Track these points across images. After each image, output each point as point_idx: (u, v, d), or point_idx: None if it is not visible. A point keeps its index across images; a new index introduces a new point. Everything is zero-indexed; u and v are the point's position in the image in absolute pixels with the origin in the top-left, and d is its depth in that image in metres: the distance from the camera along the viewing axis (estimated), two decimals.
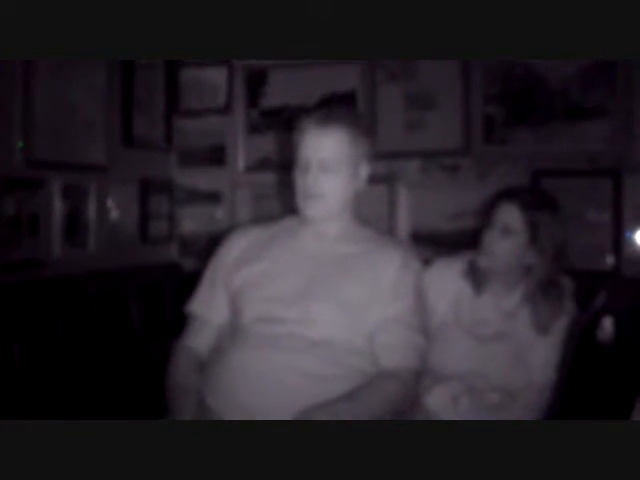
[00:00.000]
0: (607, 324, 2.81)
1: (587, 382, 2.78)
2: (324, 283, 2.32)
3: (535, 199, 2.67)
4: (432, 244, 3.88)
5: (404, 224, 4.06)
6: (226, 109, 4.44)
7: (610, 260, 3.68)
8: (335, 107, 2.64)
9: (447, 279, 2.78)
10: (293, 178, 2.40)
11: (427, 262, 2.77)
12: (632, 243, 3.66)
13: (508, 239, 2.64)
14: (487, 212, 2.73)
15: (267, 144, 4.31)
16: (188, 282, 2.65)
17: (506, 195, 2.69)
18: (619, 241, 3.67)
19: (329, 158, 2.32)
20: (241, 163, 4.42)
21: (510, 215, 2.63)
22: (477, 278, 2.75)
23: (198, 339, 2.50)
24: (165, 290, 3.93)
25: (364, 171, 2.42)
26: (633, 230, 3.66)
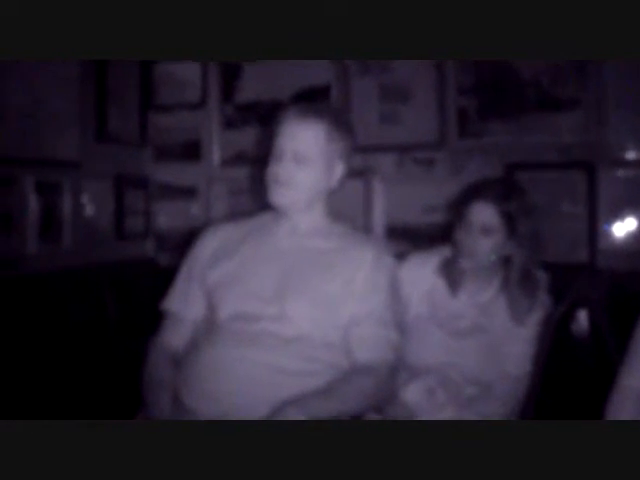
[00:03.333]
0: (582, 317, 2.83)
1: (562, 374, 2.80)
2: (298, 280, 2.31)
3: (505, 190, 2.67)
4: (408, 238, 3.90)
5: (380, 218, 4.06)
6: (201, 104, 4.43)
7: (585, 253, 3.68)
8: (319, 103, 2.63)
9: (422, 276, 2.79)
10: (267, 169, 2.39)
11: (402, 256, 2.77)
12: (607, 235, 3.67)
13: (488, 238, 2.63)
14: (459, 209, 2.72)
15: (242, 139, 4.32)
16: (164, 278, 2.64)
17: (477, 193, 2.67)
18: (594, 233, 3.67)
19: (303, 149, 2.31)
20: (216, 158, 4.42)
21: (486, 214, 2.63)
22: (453, 277, 2.76)
23: (173, 336, 2.48)
24: (141, 286, 3.92)
25: (339, 170, 2.40)
26: (609, 222, 3.67)
